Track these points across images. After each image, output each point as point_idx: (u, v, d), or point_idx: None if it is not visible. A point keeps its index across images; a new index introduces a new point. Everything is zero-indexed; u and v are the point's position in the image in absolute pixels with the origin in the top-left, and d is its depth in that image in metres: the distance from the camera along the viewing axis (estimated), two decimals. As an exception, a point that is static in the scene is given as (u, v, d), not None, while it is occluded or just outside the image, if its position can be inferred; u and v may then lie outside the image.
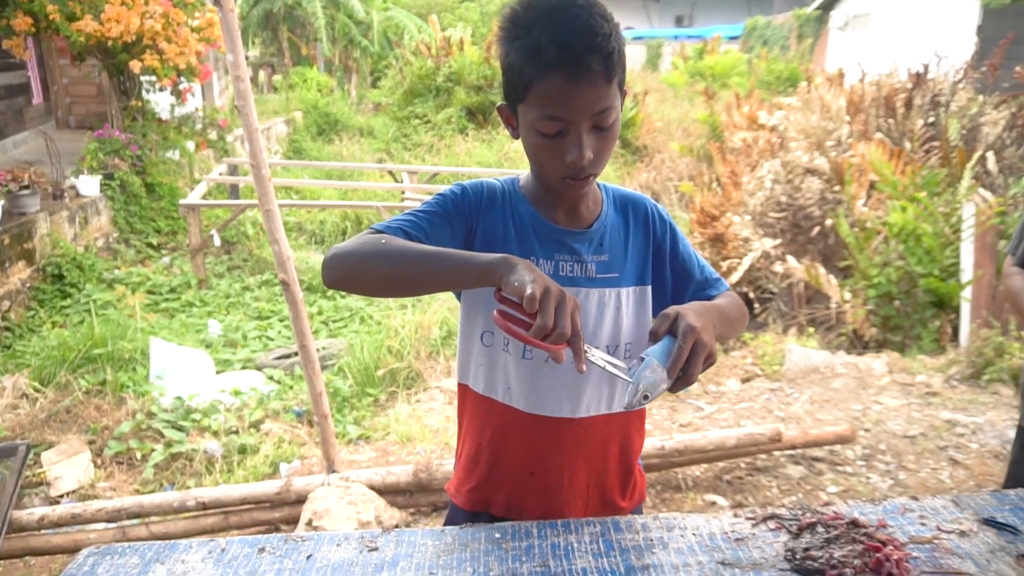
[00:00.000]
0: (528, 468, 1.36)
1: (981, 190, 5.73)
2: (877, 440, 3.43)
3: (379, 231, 1.21)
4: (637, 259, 1.38)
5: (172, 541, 1.25)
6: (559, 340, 1.00)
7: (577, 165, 1.16)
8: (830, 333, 6.25)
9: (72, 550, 2.88)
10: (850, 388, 4.06)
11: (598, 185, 1.38)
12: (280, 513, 2.92)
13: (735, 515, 1.30)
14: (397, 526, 2.91)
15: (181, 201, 7.50)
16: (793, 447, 3.25)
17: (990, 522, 1.26)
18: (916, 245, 5.56)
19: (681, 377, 1.11)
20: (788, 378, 4.29)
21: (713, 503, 3.06)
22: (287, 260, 2.60)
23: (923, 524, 1.26)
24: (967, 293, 5.23)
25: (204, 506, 2.86)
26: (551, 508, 1.36)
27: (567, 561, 1.17)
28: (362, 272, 1.16)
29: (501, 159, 11.83)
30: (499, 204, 1.31)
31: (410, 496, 3.02)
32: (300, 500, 2.91)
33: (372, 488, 2.94)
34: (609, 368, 1.12)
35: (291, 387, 5.31)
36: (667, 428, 3.75)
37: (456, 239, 1.28)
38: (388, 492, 2.98)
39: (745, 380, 4.47)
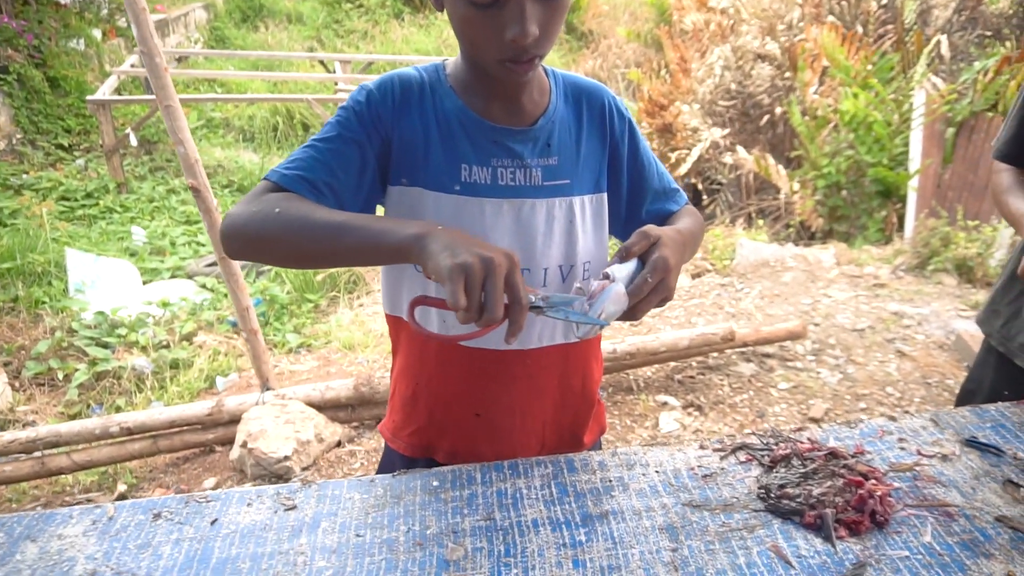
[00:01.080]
0: (473, 409, 1.19)
1: (932, 76, 5.61)
2: (827, 334, 3.41)
3: (276, 184, 1.01)
4: (592, 162, 1.16)
5: (49, 511, 1.06)
6: (489, 324, 0.85)
7: (519, 43, 0.92)
8: (777, 224, 6.22)
9: (-13, 483, 2.68)
10: (800, 282, 4.02)
11: (545, 71, 1.13)
12: (213, 435, 2.75)
13: (701, 446, 1.17)
14: (340, 443, 2.78)
15: (89, 97, 6.83)
16: (745, 345, 3.20)
17: (972, 443, 1.16)
18: (866, 134, 5.47)
19: (628, 310, 0.96)
20: (739, 273, 4.23)
21: (665, 404, 3.02)
22: (195, 164, 2.29)
23: (903, 448, 1.16)
24: (914, 183, 5.20)
25: (129, 431, 2.66)
26: (502, 452, 1.21)
27: (515, 511, 1.03)
28: (261, 249, 0.99)
29: (440, 46, 11.16)
30: (416, 101, 1.07)
31: (352, 411, 2.87)
32: (235, 420, 2.74)
33: (311, 405, 2.78)
34: (571, 318, 0.94)
35: (225, 295, 5.02)
36: (617, 328, 3.66)
37: (368, 164, 1.05)
38: (328, 408, 2.82)
39: (695, 276, 4.40)
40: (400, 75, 1.08)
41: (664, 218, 1.25)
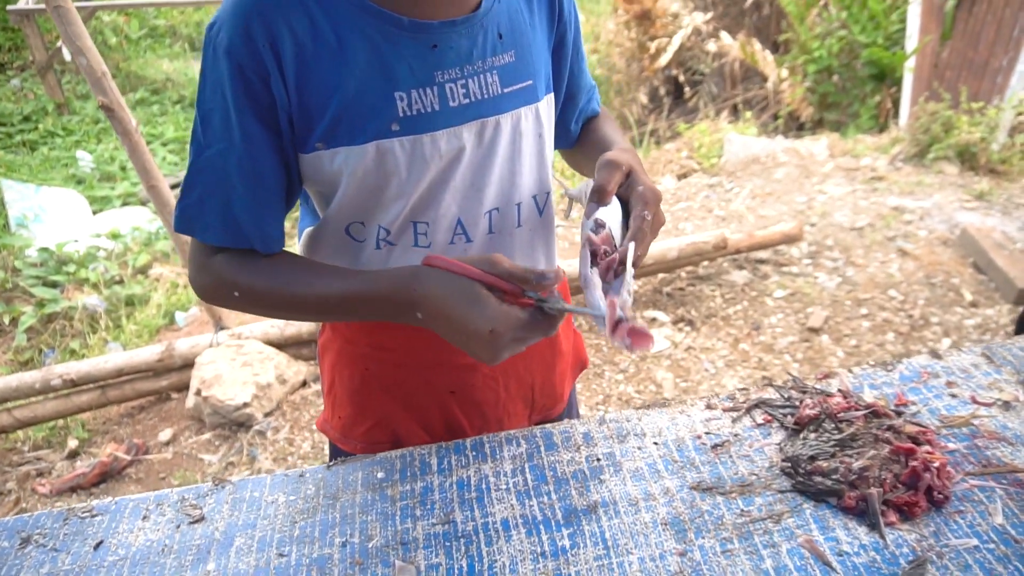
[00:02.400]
0: (447, 386, 0.96)
1: (933, -58, 5.16)
2: (823, 235, 3.19)
3: (211, 247, 0.81)
4: (544, 53, 0.89)
5: None
6: None
7: None
8: (764, 115, 5.90)
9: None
10: (793, 178, 3.76)
11: None
12: (167, 381, 2.54)
13: (708, 406, 0.96)
14: (305, 383, 2.57)
15: (11, 7, 6.19)
16: (738, 251, 2.98)
17: (1036, 383, 0.96)
18: (860, 11, 5.07)
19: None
20: (727, 171, 3.96)
21: (653, 320, 2.82)
22: (102, 77, 1.96)
23: (953, 396, 0.95)
24: (911, 63, 4.87)
25: (73, 383, 2.44)
26: (486, 426, 1.00)
27: (480, 509, 0.81)
28: (249, 312, 0.87)
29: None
30: (295, 23, 0.72)
31: (316, 346, 2.65)
32: (188, 364, 2.51)
33: (270, 343, 2.56)
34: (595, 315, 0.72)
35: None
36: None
37: (276, 145, 0.77)
38: (290, 345, 2.60)
39: (681, 176, 4.12)
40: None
41: (590, 121, 1.05)
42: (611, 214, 0.78)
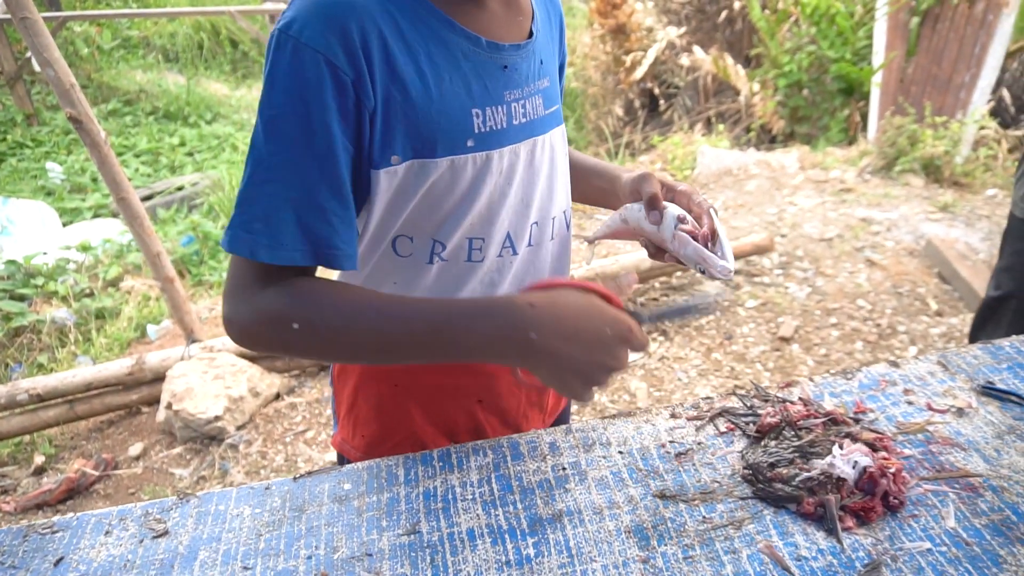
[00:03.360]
0: (476, 394, 0.97)
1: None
2: (794, 246, 3.25)
3: (269, 269, 0.72)
4: (559, 80, 0.96)
5: None
6: None
7: None
8: (737, 127, 5.98)
9: None
10: (764, 190, 3.82)
11: None
12: (138, 395, 2.51)
13: (673, 415, 0.97)
14: (278, 395, 2.55)
15: (-20, 17, 6.12)
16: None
17: (989, 390, 0.98)
18: (828, 27, 5.18)
19: None
20: (701, 183, 4.01)
21: (627, 330, 2.84)
22: (70, 89, 1.94)
23: (910, 403, 0.97)
24: (878, 78, 4.97)
25: (40, 398, 2.39)
26: (507, 432, 1.01)
27: (446, 519, 0.82)
28: (304, 354, 0.80)
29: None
30: (383, 30, 0.70)
31: (290, 359, 2.64)
32: (159, 378, 2.48)
33: (243, 356, 2.53)
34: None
35: (156, 233, 4.66)
36: (574, 248, 3.45)
37: (352, 159, 0.73)
38: (263, 357, 2.58)
39: (655, 188, 4.16)
40: (333, 6, 0.68)
41: None
42: (676, 210, 0.87)
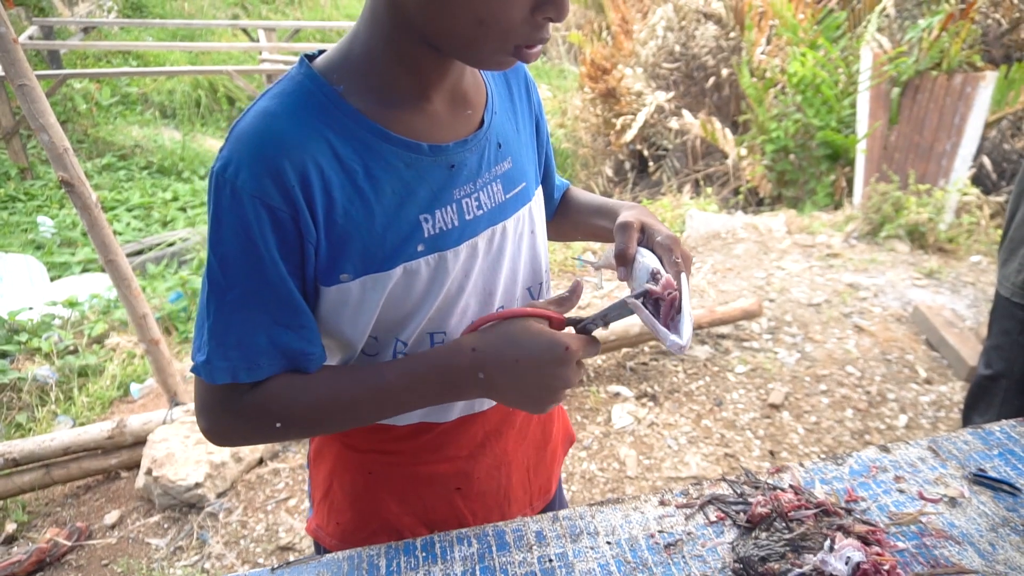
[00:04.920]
0: (453, 483, 0.95)
1: (878, 35, 5.49)
2: (783, 311, 3.26)
3: (240, 386, 0.76)
4: (530, 148, 0.93)
5: None
6: None
7: (556, 19, 0.69)
8: (725, 190, 6.09)
9: None
10: (752, 254, 3.86)
11: None
12: (117, 459, 2.45)
13: (662, 502, 0.95)
14: (261, 461, 2.50)
15: (-19, 73, 6.20)
16: (700, 327, 3.02)
17: (981, 478, 0.97)
18: (814, 96, 5.32)
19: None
20: (689, 246, 4.05)
21: (617, 395, 2.82)
22: (63, 153, 1.95)
23: (901, 491, 0.96)
24: (862, 146, 5.09)
25: (16, 462, 2.33)
26: (488, 516, 0.99)
27: (429, 617, 0.79)
28: (289, 438, 0.84)
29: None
30: (324, 167, 0.71)
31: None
32: (140, 442, 2.43)
33: (227, 420, 2.49)
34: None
35: (144, 289, 4.64)
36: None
37: (300, 284, 0.76)
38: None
39: (645, 251, 4.19)
40: (265, 131, 0.70)
41: (568, 191, 1.10)
42: (652, 263, 0.80)
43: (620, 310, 0.77)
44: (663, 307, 0.76)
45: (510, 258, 0.87)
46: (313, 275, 0.76)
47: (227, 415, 0.78)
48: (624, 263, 0.82)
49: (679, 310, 0.75)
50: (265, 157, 0.69)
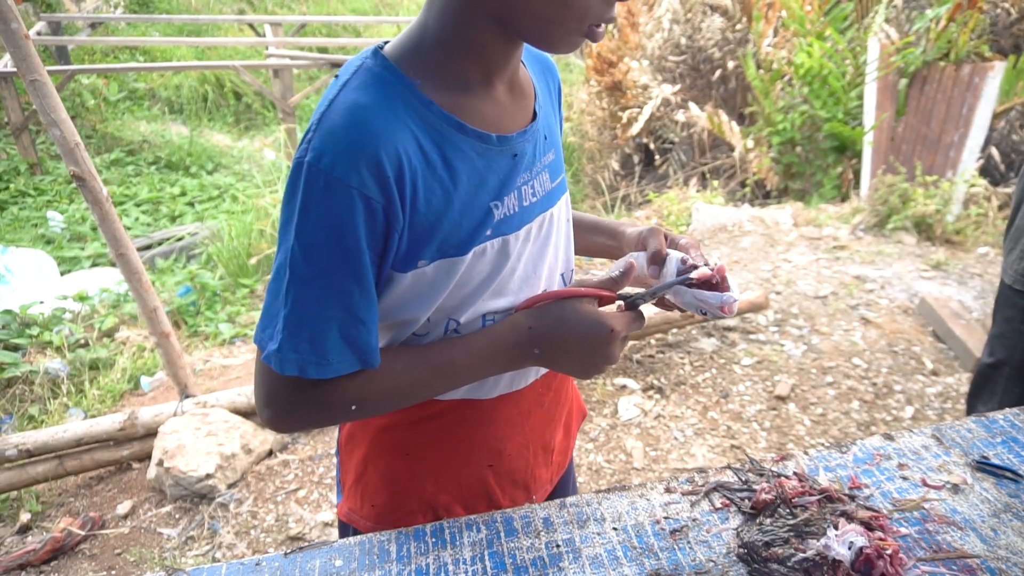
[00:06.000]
0: (486, 460, 0.98)
1: (885, 26, 5.46)
2: (789, 303, 3.26)
3: (309, 380, 0.78)
4: (561, 145, 0.98)
5: None
6: None
7: None
8: (731, 182, 6.07)
9: None
10: (759, 246, 3.86)
11: None
12: (128, 450, 2.47)
13: (667, 489, 0.97)
14: (271, 452, 2.53)
15: (-10, 70, 6.24)
16: (706, 320, 3.03)
17: (984, 465, 0.98)
18: (821, 87, 5.30)
19: None
20: (696, 238, 4.04)
21: (623, 387, 2.83)
22: (75, 148, 1.97)
23: (904, 478, 0.97)
24: (869, 137, 5.07)
25: (30, 453, 2.36)
26: (515, 492, 1.02)
27: (439, 600, 0.81)
28: (359, 417, 0.86)
29: (378, 5, 10.64)
30: (412, 156, 0.73)
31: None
32: (151, 433, 2.46)
33: (236, 411, 2.52)
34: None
35: (153, 283, 4.67)
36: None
37: (377, 270, 0.78)
38: (256, 414, 2.56)
39: (651, 243, 4.19)
40: (359, 123, 0.71)
41: None
42: (679, 256, 0.91)
43: (667, 288, 0.86)
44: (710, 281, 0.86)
45: (554, 243, 0.92)
46: (390, 265, 0.78)
47: (296, 403, 0.80)
48: (658, 262, 0.89)
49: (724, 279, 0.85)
50: (362, 149, 0.70)
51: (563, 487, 1.16)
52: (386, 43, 0.80)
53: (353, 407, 0.81)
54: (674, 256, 0.89)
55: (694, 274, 0.84)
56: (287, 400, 0.80)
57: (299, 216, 0.72)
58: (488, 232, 0.81)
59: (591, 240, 1.08)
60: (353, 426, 1.00)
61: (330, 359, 0.76)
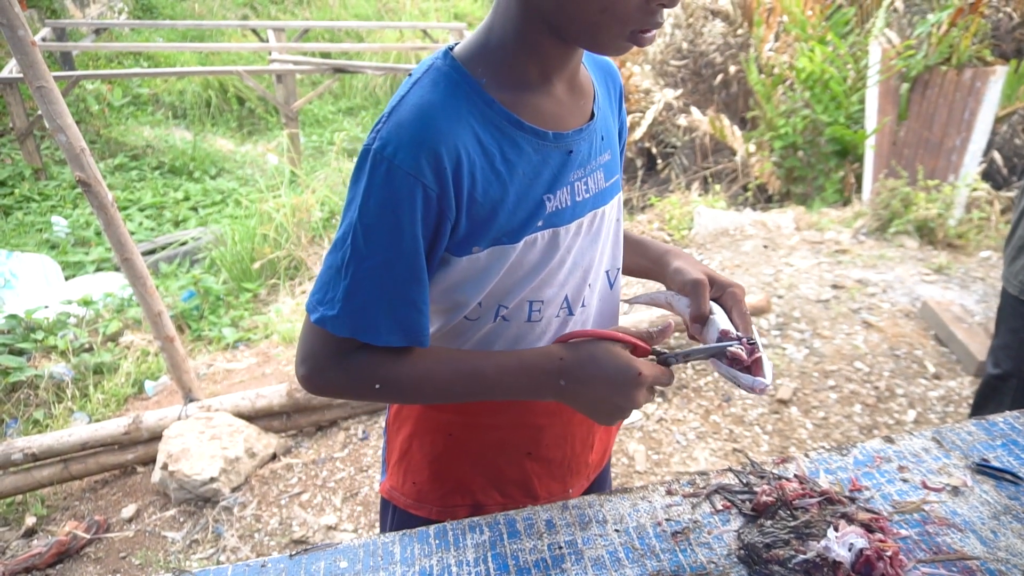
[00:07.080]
0: (525, 447, 1.02)
1: (887, 30, 5.47)
2: (791, 307, 3.27)
3: (359, 343, 0.84)
4: (618, 149, 1.01)
5: None
6: None
7: (672, 3, 0.75)
8: (734, 186, 6.08)
9: None
10: (760, 250, 3.86)
11: None
12: (133, 454, 2.49)
13: (669, 491, 0.97)
14: (275, 456, 2.54)
15: (-5, 75, 6.28)
16: (707, 323, 3.04)
17: (984, 467, 0.99)
18: (822, 92, 5.31)
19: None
20: (697, 243, 4.06)
21: (626, 391, 2.83)
22: (81, 153, 1.99)
23: (904, 480, 0.97)
24: (871, 141, 5.08)
25: (35, 457, 2.38)
26: (553, 483, 1.05)
27: (443, 601, 0.81)
28: (382, 400, 0.92)
29: (381, 11, 10.68)
30: (470, 150, 0.79)
31: (287, 418, 2.62)
32: (156, 437, 2.47)
33: (240, 415, 2.53)
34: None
35: (157, 287, 4.69)
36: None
37: (429, 255, 0.83)
38: (260, 417, 2.57)
39: (653, 248, 4.20)
40: (424, 119, 0.77)
41: None
42: (721, 320, 0.91)
43: (702, 356, 0.87)
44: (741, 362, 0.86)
45: (603, 240, 0.96)
46: (443, 249, 0.84)
47: (333, 366, 0.85)
48: (700, 321, 0.91)
49: (757, 359, 0.86)
50: (424, 142, 0.76)
51: (599, 486, 1.18)
52: (456, 44, 0.86)
53: (377, 386, 0.85)
54: (715, 322, 0.90)
55: (729, 350, 0.85)
56: (324, 359, 0.85)
57: (362, 197, 0.78)
58: (539, 223, 0.86)
59: (633, 260, 1.10)
60: (397, 406, 1.05)
61: (380, 332, 0.82)
